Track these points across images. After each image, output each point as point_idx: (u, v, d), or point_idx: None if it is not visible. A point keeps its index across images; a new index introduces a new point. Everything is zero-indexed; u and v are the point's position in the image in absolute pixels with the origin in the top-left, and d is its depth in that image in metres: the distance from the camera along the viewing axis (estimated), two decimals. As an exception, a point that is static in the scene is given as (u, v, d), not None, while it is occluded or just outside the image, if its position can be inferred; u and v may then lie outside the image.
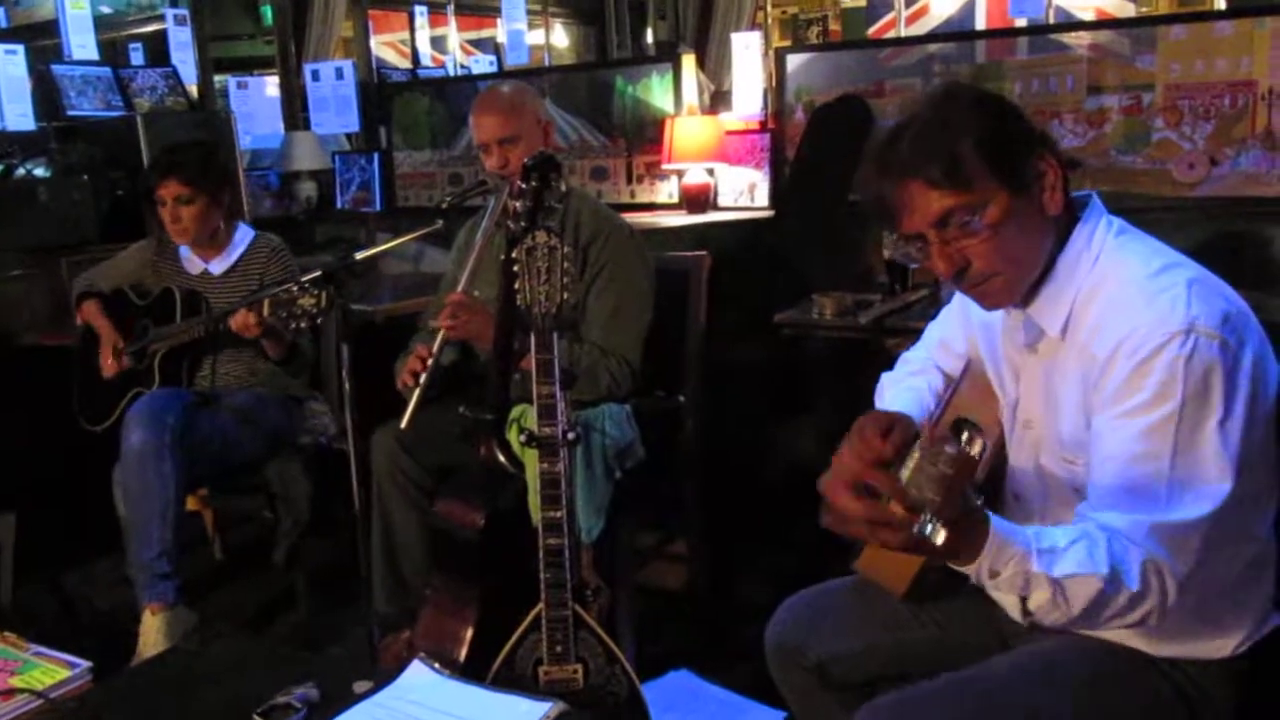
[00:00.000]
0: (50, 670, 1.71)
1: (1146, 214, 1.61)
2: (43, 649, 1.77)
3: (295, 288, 2.39)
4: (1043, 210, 1.48)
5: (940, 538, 1.22)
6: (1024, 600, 1.35)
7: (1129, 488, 1.38)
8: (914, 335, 2.01)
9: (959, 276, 1.50)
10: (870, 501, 1.26)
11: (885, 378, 1.95)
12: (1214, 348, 1.37)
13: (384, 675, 1.66)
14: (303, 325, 2.44)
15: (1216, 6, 4.14)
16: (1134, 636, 1.51)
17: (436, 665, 1.67)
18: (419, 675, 1.65)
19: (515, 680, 2.04)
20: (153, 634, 2.81)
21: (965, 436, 1.55)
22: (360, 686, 1.62)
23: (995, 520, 1.33)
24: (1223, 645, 1.51)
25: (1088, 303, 1.49)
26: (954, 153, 1.43)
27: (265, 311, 2.68)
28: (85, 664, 1.72)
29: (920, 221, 1.47)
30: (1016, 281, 1.51)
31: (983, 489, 1.64)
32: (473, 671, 2.09)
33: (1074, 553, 1.33)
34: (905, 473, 1.23)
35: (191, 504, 3.09)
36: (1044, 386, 1.57)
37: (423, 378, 2.53)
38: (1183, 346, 1.36)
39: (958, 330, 1.84)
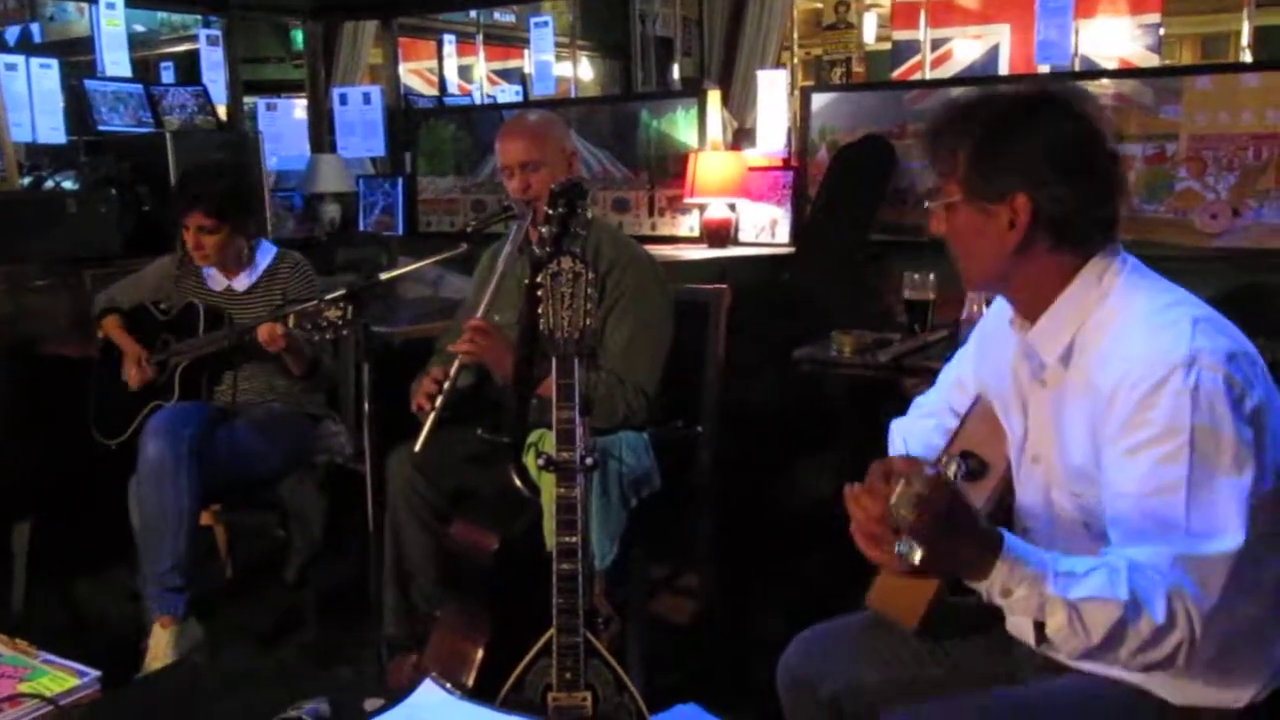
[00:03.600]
0: (58, 678, 1.70)
1: (1168, 263, 1.61)
2: (51, 656, 1.76)
3: (320, 303, 2.42)
4: (1001, 234, 1.51)
5: (917, 556, 1.25)
6: (1040, 626, 1.34)
7: (1148, 522, 1.37)
8: (932, 375, 2.02)
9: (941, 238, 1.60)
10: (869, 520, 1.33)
11: (895, 424, 1.96)
12: (1218, 380, 1.36)
13: (394, 694, 1.66)
14: (328, 336, 2.46)
15: (1242, 59, 4.14)
16: (1153, 681, 1.49)
17: (448, 685, 1.67)
18: (430, 695, 1.64)
19: (524, 705, 2.03)
20: (162, 647, 2.81)
21: (943, 459, 1.56)
22: (371, 704, 1.61)
23: (1010, 539, 1.34)
24: (1240, 695, 1.49)
25: (1094, 334, 1.50)
26: (955, 140, 1.52)
27: (290, 324, 2.70)
28: (94, 673, 1.71)
29: (930, 177, 1.62)
30: (970, 272, 1.60)
31: (993, 518, 1.64)
32: (480, 696, 2.08)
33: (1093, 578, 1.32)
34: (893, 497, 1.28)
35: (204, 519, 3.09)
36: (1053, 419, 1.57)
37: (438, 400, 2.54)
38: (1185, 379, 1.36)
39: (969, 369, 1.85)
